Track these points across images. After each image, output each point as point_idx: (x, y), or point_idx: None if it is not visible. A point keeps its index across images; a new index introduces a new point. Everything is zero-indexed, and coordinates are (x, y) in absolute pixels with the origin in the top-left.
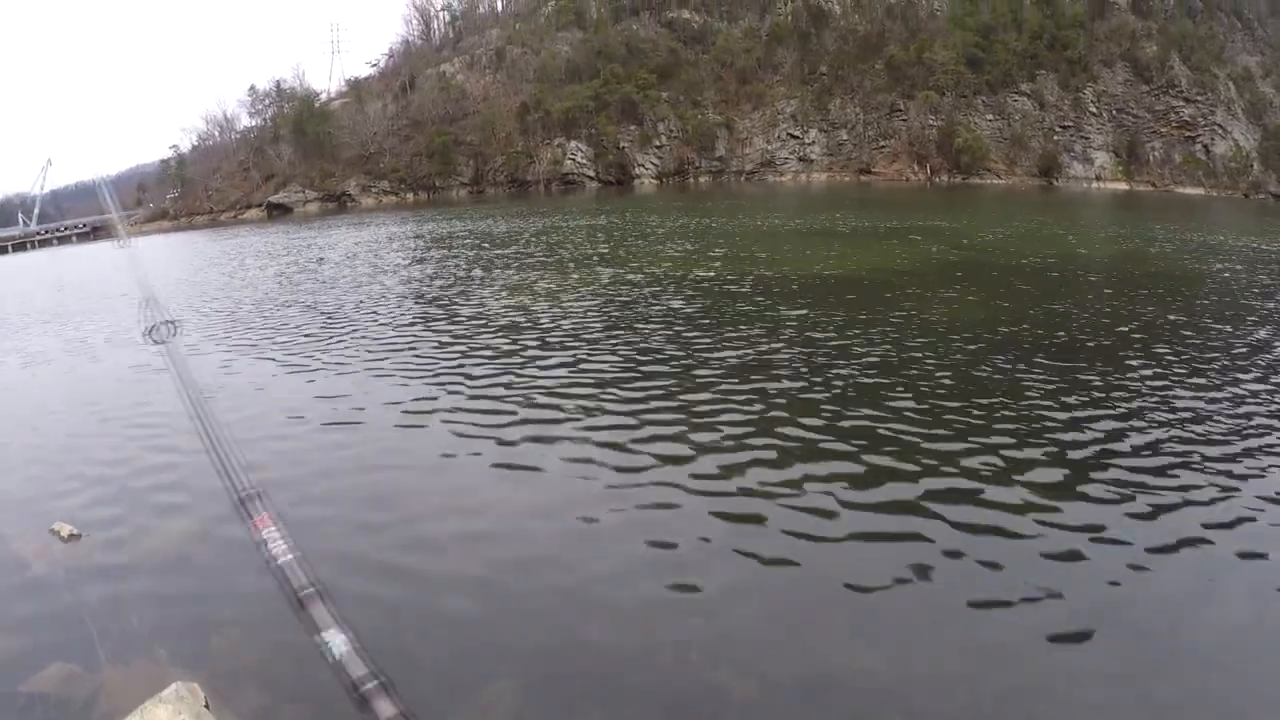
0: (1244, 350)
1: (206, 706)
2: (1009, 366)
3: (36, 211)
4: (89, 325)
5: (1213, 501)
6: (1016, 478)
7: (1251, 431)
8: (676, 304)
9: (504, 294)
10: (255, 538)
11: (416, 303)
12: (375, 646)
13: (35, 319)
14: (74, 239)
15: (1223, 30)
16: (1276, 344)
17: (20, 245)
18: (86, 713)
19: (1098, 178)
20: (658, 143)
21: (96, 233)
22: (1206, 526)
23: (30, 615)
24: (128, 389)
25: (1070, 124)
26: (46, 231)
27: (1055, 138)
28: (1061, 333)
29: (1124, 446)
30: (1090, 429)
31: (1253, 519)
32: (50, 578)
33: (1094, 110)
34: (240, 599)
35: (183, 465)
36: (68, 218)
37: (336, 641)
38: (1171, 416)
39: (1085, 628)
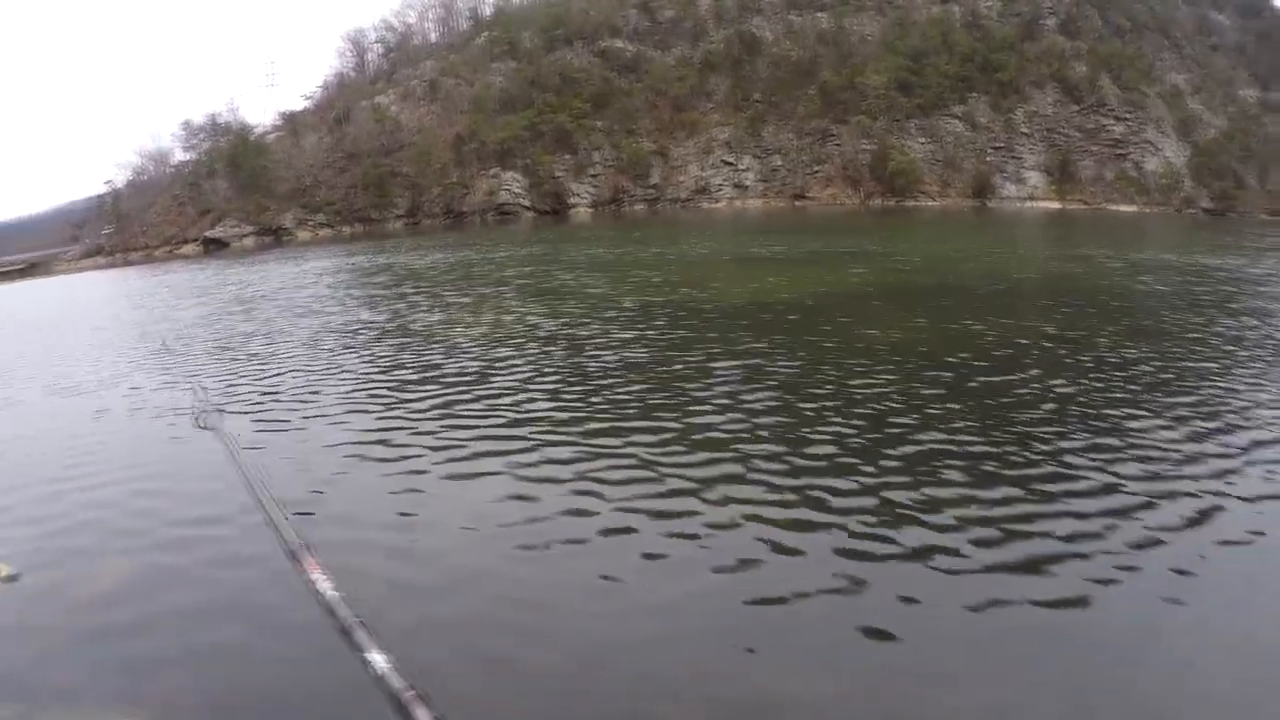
0: (1195, 363)
1: None
2: (949, 385)
3: None
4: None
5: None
6: (948, 496)
7: (1198, 449)
8: (612, 333)
9: (434, 325)
10: (305, 578)
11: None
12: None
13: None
14: (13, 275)
15: (1151, 49)
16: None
17: None
18: None
19: (1031, 197)
20: (592, 171)
21: (34, 268)
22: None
23: None
24: (77, 430)
25: (1002, 145)
26: None
27: (988, 159)
28: (1001, 350)
29: (1066, 463)
30: (1030, 445)
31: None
32: None
33: (1025, 130)
34: (183, 634)
35: (116, 505)
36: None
37: (378, 660)
38: (1106, 427)
39: (1031, 652)
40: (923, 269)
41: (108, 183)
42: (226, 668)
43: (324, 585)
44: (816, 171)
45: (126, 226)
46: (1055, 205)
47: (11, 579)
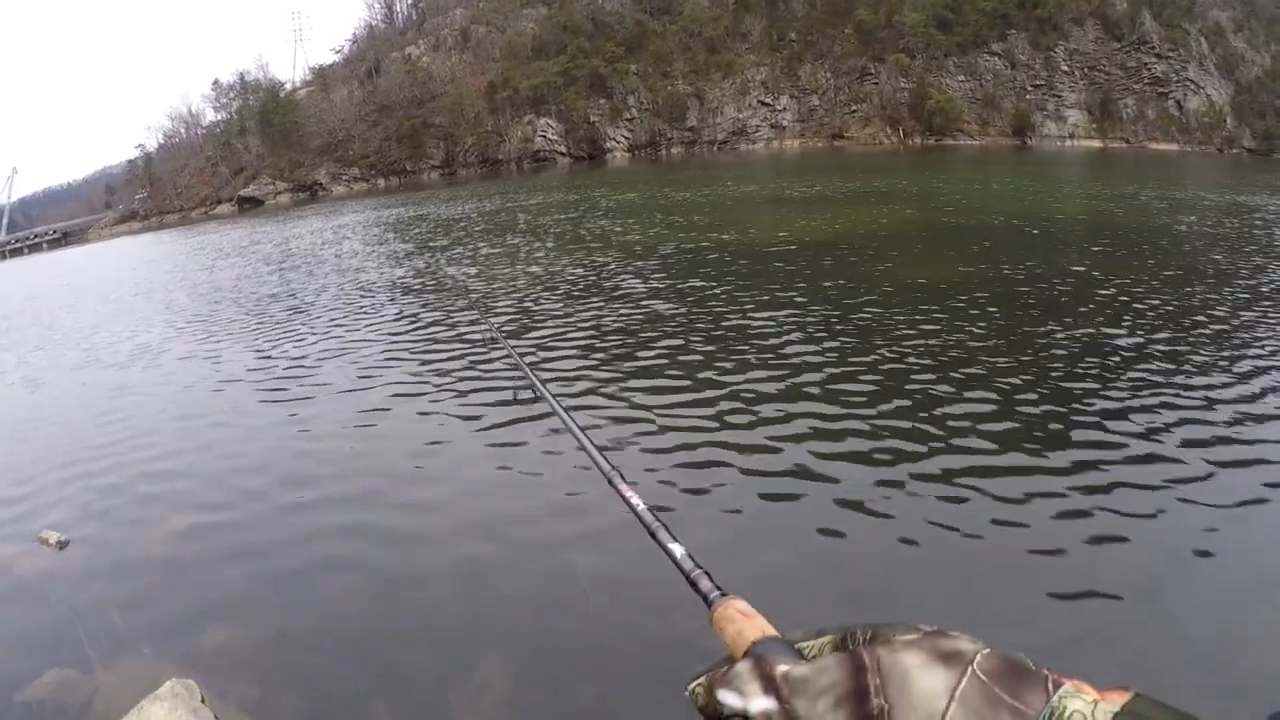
0: (1241, 309)
1: (203, 701)
2: (991, 329)
3: (5, 221)
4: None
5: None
6: (1012, 433)
7: (1255, 394)
8: (654, 276)
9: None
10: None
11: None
12: None
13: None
14: (45, 246)
15: None
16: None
17: None
18: (85, 715)
19: (1071, 135)
20: (628, 115)
21: (68, 238)
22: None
23: (24, 625)
24: (107, 404)
25: (1042, 83)
26: (16, 240)
27: (1028, 97)
28: (1043, 293)
29: (1111, 405)
30: (1077, 392)
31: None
32: (42, 587)
33: (1065, 68)
34: (233, 593)
35: (165, 469)
36: (37, 224)
37: (677, 549)
38: (1157, 375)
39: (1087, 587)
40: (963, 209)
41: (139, 146)
42: (277, 627)
43: None
44: (854, 111)
45: (160, 189)
46: (1096, 144)
47: (62, 545)
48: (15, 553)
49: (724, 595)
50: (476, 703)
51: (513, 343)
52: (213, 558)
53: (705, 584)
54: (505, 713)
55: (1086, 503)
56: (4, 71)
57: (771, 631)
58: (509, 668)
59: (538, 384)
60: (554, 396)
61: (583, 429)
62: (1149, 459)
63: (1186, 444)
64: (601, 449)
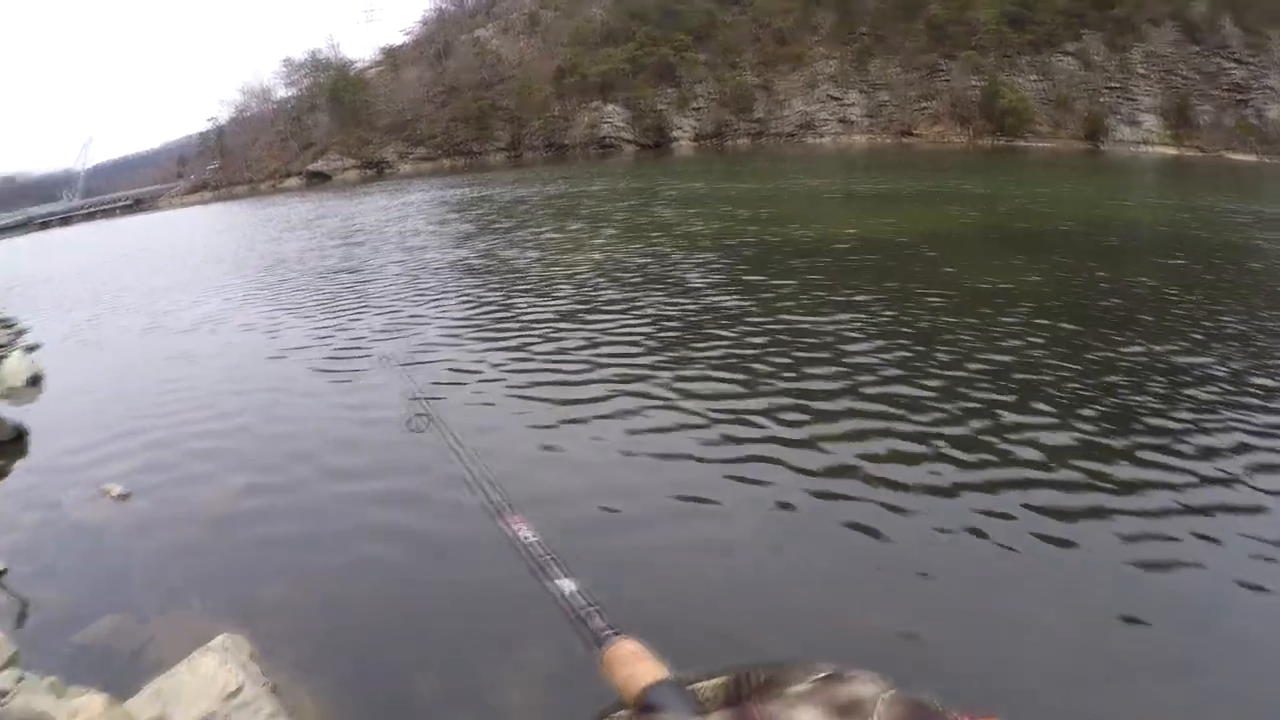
0: None
1: (252, 658)
2: (1057, 341)
3: (80, 186)
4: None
5: None
6: (1074, 448)
7: None
8: (715, 269)
9: (533, 262)
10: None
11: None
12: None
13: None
14: (117, 212)
15: None
16: None
17: (66, 219)
18: (136, 662)
19: (1145, 141)
20: (695, 105)
21: (140, 205)
22: None
23: (83, 570)
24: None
25: (1117, 85)
26: (91, 206)
27: (1101, 99)
28: (1113, 307)
29: (1174, 425)
30: (1140, 411)
31: None
32: (103, 537)
33: (1141, 71)
34: (285, 555)
35: (225, 431)
36: (110, 191)
37: (567, 584)
38: (1226, 400)
39: (1146, 616)
40: (1033, 213)
41: (211, 119)
42: (326, 590)
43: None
44: (924, 108)
45: (230, 161)
46: (1170, 151)
47: (123, 497)
48: (78, 501)
49: (615, 634)
50: (517, 680)
51: (411, 368)
52: (267, 519)
53: (596, 622)
54: (548, 689)
55: (1137, 526)
56: (81, 43)
57: (664, 674)
58: (553, 648)
59: (433, 414)
60: (449, 427)
61: (472, 460)
62: (1208, 484)
63: (1250, 471)
64: (491, 481)
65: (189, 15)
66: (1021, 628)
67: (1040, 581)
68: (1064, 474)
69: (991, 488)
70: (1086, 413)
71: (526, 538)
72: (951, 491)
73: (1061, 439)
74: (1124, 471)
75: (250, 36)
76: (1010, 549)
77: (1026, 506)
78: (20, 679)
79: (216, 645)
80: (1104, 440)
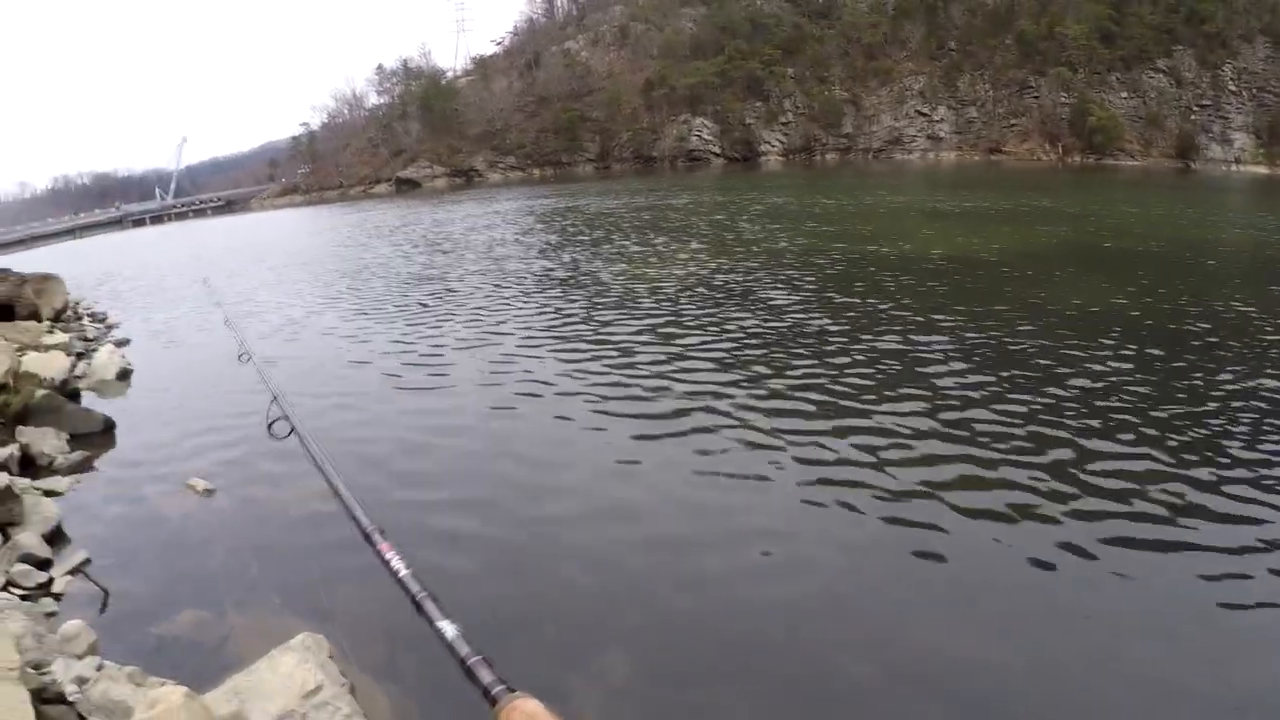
0: None
1: (331, 658)
2: (1143, 368)
3: (174, 186)
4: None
5: None
6: (1157, 480)
7: None
8: (801, 286)
9: (616, 274)
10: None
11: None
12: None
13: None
14: (209, 212)
15: None
16: None
17: (158, 218)
18: (216, 656)
19: (1237, 160)
20: (784, 119)
21: (231, 206)
22: None
23: (166, 564)
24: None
25: (1209, 103)
26: (183, 205)
27: (1192, 117)
28: (1201, 334)
29: (1261, 457)
30: (1227, 445)
31: None
32: (185, 531)
33: (1233, 88)
34: (360, 559)
35: (303, 434)
36: (202, 192)
37: (448, 628)
38: None
39: (1227, 655)
40: (1122, 233)
41: (303, 124)
42: (400, 590)
43: None
44: (1013, 125)
45: (321, 166)
46: (1263, 170)
47: (208, 493)
48: (163, 495)
49: (511, 693)
50: (596, 686)
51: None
52: (343, 522)
53: (486, 676)
54: (627, 708)
55: (1220, 563)
56: (177, 46)
57: None
58: (632, 653)
59: (304, 436)
60: (314, 442)
61: (342, 480)
62: None
63: None
64: (362, 503)
65: (284, 21)
66: (1099, 665)
67: (1119, 617)
68: (1145, 506)
69: (1072, 516)
70: (1170, 443)
71: (399, 569)
72: (1034, 518)
73: (1144, 468)
74: (1209, 504)
75: (344, 43)
76: (1088, 581)
77: (1104, 540)
78: (100, 667)
79: (296, 644)
80: (1188, 472)
